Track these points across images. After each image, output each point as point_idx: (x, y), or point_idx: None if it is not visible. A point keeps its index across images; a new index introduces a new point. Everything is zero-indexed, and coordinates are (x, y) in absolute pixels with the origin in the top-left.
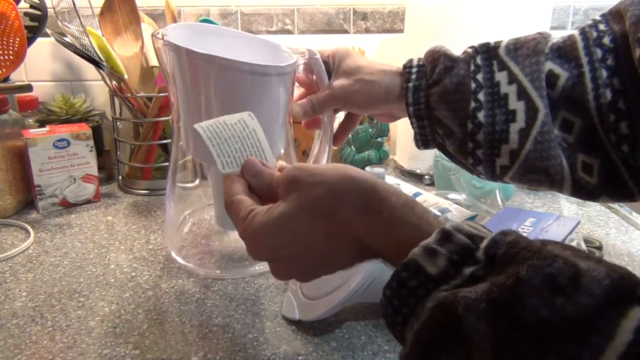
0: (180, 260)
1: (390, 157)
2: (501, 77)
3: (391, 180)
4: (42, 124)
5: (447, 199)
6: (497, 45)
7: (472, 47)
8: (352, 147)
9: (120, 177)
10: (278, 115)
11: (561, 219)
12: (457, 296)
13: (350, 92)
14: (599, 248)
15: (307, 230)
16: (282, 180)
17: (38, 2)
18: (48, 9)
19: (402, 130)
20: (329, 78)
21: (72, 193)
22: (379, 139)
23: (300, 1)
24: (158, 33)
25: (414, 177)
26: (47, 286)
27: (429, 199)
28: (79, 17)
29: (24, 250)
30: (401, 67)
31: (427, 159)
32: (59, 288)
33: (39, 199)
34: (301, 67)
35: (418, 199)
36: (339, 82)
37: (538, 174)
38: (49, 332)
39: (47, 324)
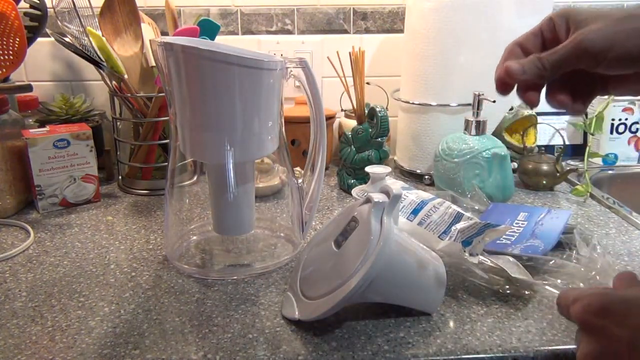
0: (179, 265)
1: (390, 157)
2: None
3: (391, 180)
4: (42, 124)
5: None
6: None
7: None
8: (352, 147)
9: (120, 177)
10: (270, 111)
11: (552, 212)
12: None
13: (616, 35)
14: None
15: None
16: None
17: (38, 2)
18: (48, 9)
19: (402, 130)
20: (558, 43)
21: (72, 193)
22: (379, 139)
23: (300, 1)
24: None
25: (414, 177)
26: (47, 286)
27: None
28: (79, 17)
29: (24, 250)
30: None
31: (427, 159)
32: (59, 288)
33: (39, 199)
34: (293, 72)
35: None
36: (588, 29)
37: None
38: (49, 332)
39: (47, 324)
